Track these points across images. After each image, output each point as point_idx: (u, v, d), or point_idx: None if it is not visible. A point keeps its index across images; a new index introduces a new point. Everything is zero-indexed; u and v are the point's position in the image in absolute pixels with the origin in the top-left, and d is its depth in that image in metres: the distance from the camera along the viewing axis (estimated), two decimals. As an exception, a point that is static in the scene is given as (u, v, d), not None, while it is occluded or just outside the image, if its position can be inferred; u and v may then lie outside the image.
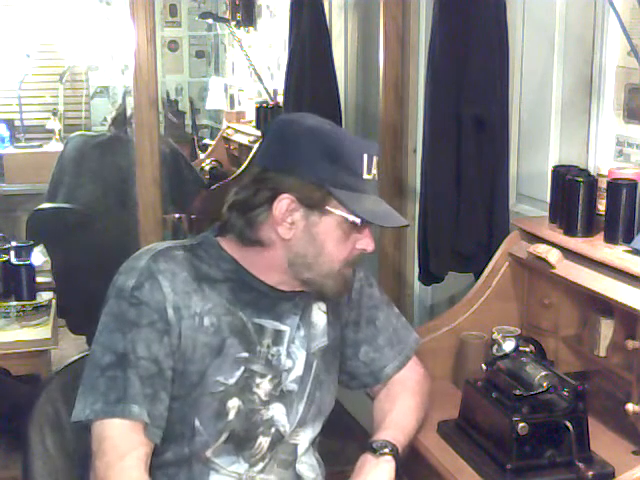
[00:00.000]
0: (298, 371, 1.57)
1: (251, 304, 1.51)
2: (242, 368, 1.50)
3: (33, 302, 3.14)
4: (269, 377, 1.53)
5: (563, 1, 2.32)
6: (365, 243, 1.51)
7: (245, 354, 1.50)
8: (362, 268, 1.71)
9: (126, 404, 1.41)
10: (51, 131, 5.85)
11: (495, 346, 1.95)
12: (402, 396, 1.72)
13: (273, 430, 1.54)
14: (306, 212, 1.46)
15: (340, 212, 1.46)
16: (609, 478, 1.72)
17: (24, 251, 3.23)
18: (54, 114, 5.86)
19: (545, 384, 1.79)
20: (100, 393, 1.42)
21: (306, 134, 1.46)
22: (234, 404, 1.49)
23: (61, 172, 3.88)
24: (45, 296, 3.22)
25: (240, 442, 1.51)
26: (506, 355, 1.92)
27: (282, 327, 1.55)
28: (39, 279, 3.31)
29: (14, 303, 3.12)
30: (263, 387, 1.52)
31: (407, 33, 3.03)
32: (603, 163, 2.13)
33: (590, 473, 1.72)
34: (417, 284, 3.07)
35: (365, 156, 1.46)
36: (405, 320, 1.81)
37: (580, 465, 1.72)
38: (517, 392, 1.79)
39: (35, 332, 3.00)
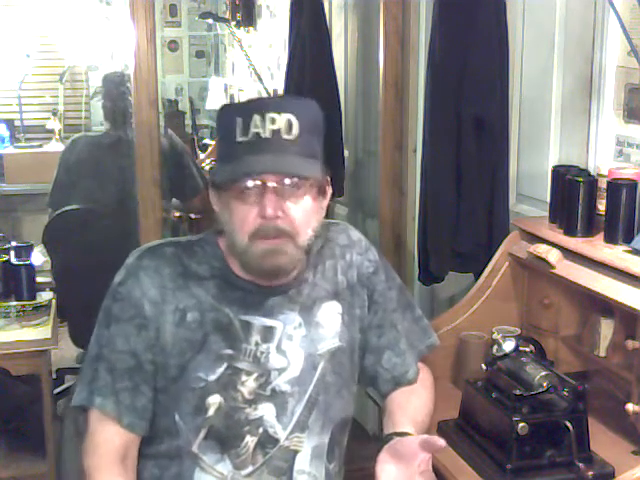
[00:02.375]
0: (294, 371, 1.52)
1: (238, 301, 1.51)
2: (225, 365, 1.48)
3: (33, 302, 3.14)
4: (255, 375, 1.49)
5: (563, 1, 2.32)
6: (262, 209, 1.42)
7: (229, 351, 1.48)
8: (383, 269, 1.67)
9: (93, 395, 1.49)
10: (51, 131, 5.84)
11: (495, 346, 1.95)
12: (415, 389, 1.68)
13: (261, 430, 1.49)
14: (216, 193, 1.50)
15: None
16: (609, 478, 1.72)
17: (24, 251, 3.23)
18: (54, 114, 5.86)
19: (545, 384, 1.79)
20: (85, 383, 1.51)
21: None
22: (215, 400, 1.47)
23: (72, 175, 3.82)
24: (45, 296, 3.22)
25: (223, 439, 1.49)
26: (506, 355, 1.92)
27: (272, 323, 1.52)
28: (39, 279, 3.32)
29: (14, 303, 3.12)
30: (248, 385, 1.49)
31: (407, 33, 3.03)
32: (603, 163, 2.13)
33: (590, 473, 1.72)
34: (417, 284, 3.07)
35: (239, 120, 1.41)
36: (427, 322, 1.78)
37: (580, 465, 1.72)
38: (517, 392, 1.79)
39: (35, 332, 3.00)
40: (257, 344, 1.50)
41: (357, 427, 3.92)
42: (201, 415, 1.47)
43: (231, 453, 1.49)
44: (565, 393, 1.78)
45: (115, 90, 3.82)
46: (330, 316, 1.58)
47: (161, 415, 1.50)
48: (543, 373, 1.81)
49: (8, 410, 3.11)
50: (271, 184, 1.41)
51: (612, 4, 2.02)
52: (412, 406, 1.64)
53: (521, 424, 1.74)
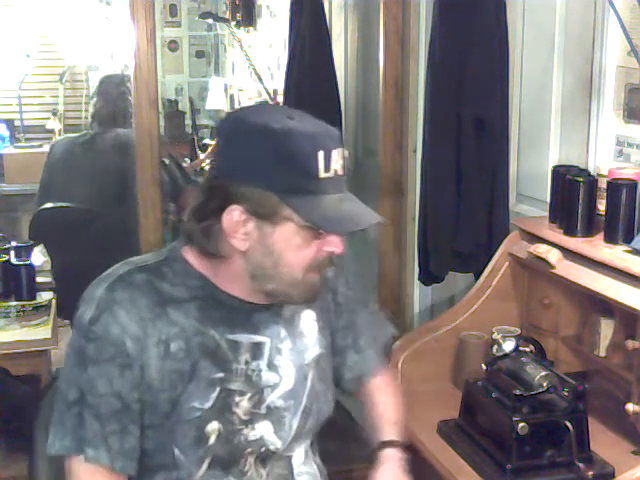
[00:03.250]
0: (287, 385, 1.48)
1: (223, 320, 1.43)
2: (218, 389, 1.41)
3: (33, 302, 3.14)
4: (249, 395, 1.44)
5: (563, 1, 2.32)
6: (332, 245, 1.38)
7: (220, 374, 1.42)
8: (342, 271, 1.63)
9: (83, 446, 1.38)
10: (51, 131, 5.84)
11: (495, 346, 1.95)
12: (384, 393, 1.71)
13: (263, 450, 1.46)
14: (259, 222, 1.34)
15: (295, 220, 1.34)
16: (609, 478, 1.72)
17: (24, 251, 3.23)
18: (54, 114, 5.86)
19: (545, 384, 1.79)
20: (68, 429, 1.39)
21: (253, 135, 1.33)
22: (214, 427, 1.41)
23: (50, 176, 3.88)
24: (45, 296, 3.22)
25: (226, 464, 1.44)
26: (506, 355, 1.92)
27: (260, 338, 1.46)
28: (39, 279, 3.31)
29: (14, 303, 3.12)
30: (242, 405, 1.43)
31: (407, 33, 3.03)
32: (603, 163, 2.13)
33: (590, 473, 1.72)
34: (417, 284, 3.07)
35: (321, 153, 1.32)
36: (382, 315, 1.77)
37: (580, 465, 1.72)
38: (517, 392, 1.79)
39: (35, 332, 3.00)
40: (247, 362, 1.44)
41: (357, 427, 3.92)
42: (202, 446, 1.41)
43: (233, 471, 1.46)
44: (565, 393, 1.78)
45: (115, 90, 3.84)
46: (309, 324, 1.55)
47: (157, 452, 1.42)
48: (543, 373, 1.81)
49: (8, 410, 3.11)
50: None
51: (612, 4, 2.02)
52: (390, 409, 1.68)
53: (521, 424, 1.74)
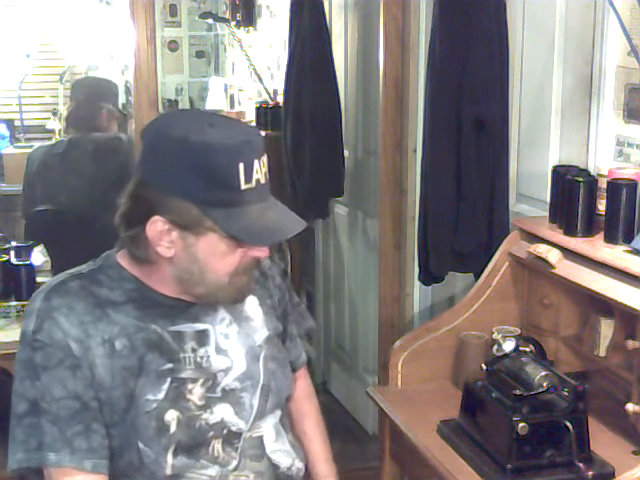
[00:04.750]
0: (240, 367, 1.52)
1: (162, 315, 1.47)
2: (169, 380, 1.45)
3: (33, 302, 3.14)
4: (201, 381, 1.47)
5: (563, 1, 2.32)
6: (257, 252, 1.42)
7: (169, 365, 1.45)
8: (273, 261, 1.68)
9: (43, 452, 1.40)
10: (51, 131, 5.84)
11: (495, 346, 1.95)
12: (313, 419, 1.79)
13: (225, 432, 1.49)
14: (182, 233, 1.37)
15: (218, 231, 1.36)
16: (609, 478, 1.72)
17: (24, 251, 3.23)
18: (54, 114, 5.85)
19: (545, 384, 1.79)
20: (18, 442, 1.42)
21: (175, 148, 1.34)
22: (172, 416, 1.44)
23: (31, 186, 3.89)
24: (45, 296, 3.21)
25: (191, 451, 1.47)
26: (506, 355, 1.92)
27: (202, 326, 1.50)
28: (39, 279, 3.31)
29: (14, 303, 3.12)
30: (196, 392, 1.47)
31: (407, 33, 3.03)
32: (603, 163, 2.13)
33: (590, 473, 1.72)
34: (417, 284, 3.07)
35: (241, 165, 1.33)
36: (304, 306, 1.83)
37: (580, 465, 1.72)
38: (517, 392, 1.79)
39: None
40: (194, 350, 1.48)
41: (357, 427, 3.92)
42: (165, 434, 1.44)
43: (206, 458, 1.48)
44: (565, 393, 1.78)
45: (85, 95, 3.84)
46: (254, 309, 1.60)
47: (123, 449, 1.45)
48: (543, 373, 1.81)
49: (8, 410, 3.10)
50: None
51: (612, 4, 2.02)
52: (319, 442, 1.77)
53: (521, 424, 1.74)
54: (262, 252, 1.43)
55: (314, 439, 1.77)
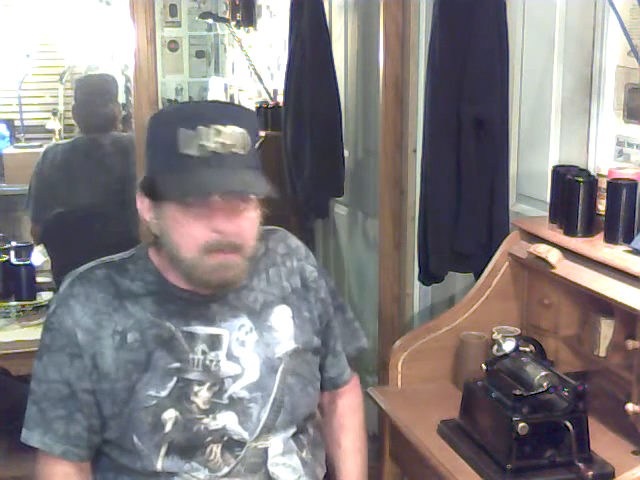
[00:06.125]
0: (251, 377, 1.50)
1: (179, 313, 1.48)
2: (175, 379, 1.46)
3: (33, 302, 3.15)
4: (208, 385, 1.47)
5: (563, 1, 2.32)
6: (215, 224, 1.40)
7: (176, 364, 1.46)
8: (322, 274, 1.67)
9: (25, 429, 1.50)
10: (51, 131, 5.84)
11: (495, 346, 1.95)
12: (353, 433, 1.74)
13: (226, 439, 1.48)
14: (151, 204, 1.45)
15: (167, 197, 1.41)
16: (609, 478, 1.72)
17: (24, 251, 3.24)
18: (54, 114, 5.86)
19: (545, 384, 1.79)
20: (25, 417, 1.51)
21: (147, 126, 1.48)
22: (170, 415, 1.45)
23: (43, 182, 3.81)
24: (45, 296, 3.22)
25: (184, 452, 1.46)
26: (506, 355, 1.92)
27: (217, 331, 1.50)
28: (39, 279, 3.32)
29: (14, 303, 3.13)
30: (202, 395, 1.46)
31: (407, 33, 3.03)
32: (603, 163, 2.13)
33: (590, 473, 1.72)
34: (417, 284, 3.07)
35: (180, 130, 1.37)
36: (357, 325, 1.78)
37: (580, 465, 1.72)
38: (517, 392, 1.79)
39: (35, 332, 2.99)
40: (204, 353, 1.48)
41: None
42: (159, 432, 1.44)
43: (199, 460, 1.47)
44: (565, 393, 1.78)
45: (91, 95, 3.81)
46: (282, 320, 1.57)
47: (119, 441, 1.47)
48: (543, 373, 1.81)
49: (8, 410, 3.11)
50: (227, 199, 1.39)
51: (612, 4, 2.02)
52: (354, 460, 1.72)
53: (521, 424, 1.74)
54: (221, 224, 1.39)
55: (350, 453, 1.72)
